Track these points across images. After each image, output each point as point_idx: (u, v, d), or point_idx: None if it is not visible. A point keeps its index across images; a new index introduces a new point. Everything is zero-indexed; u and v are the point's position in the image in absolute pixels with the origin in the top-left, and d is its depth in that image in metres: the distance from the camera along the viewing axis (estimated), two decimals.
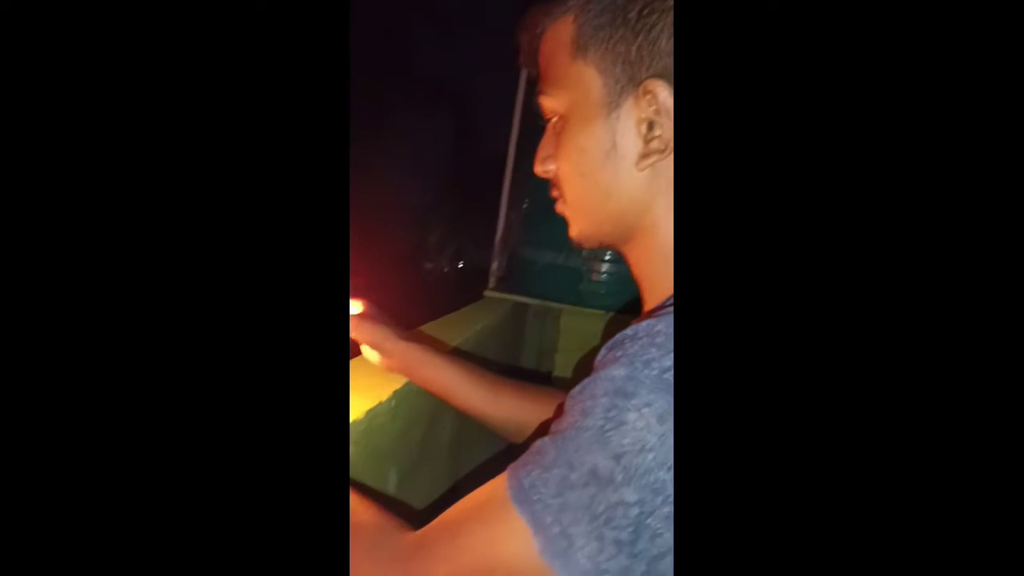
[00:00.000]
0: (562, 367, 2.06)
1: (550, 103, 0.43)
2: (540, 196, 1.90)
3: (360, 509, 0.41)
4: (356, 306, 0.68)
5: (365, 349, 0.69)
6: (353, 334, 0.65)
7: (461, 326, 1.37)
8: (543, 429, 0.45)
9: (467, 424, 1.26)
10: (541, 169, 0.46)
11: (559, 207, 0.46)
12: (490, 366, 0.72)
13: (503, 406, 0.63)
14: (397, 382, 0.80)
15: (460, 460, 1.20)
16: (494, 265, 1.94)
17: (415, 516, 0.41)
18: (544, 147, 0.45)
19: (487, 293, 1.85)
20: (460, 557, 0.34)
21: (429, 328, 1.28)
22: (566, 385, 0.72)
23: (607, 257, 1.76)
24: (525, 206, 1.99)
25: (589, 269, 1.78)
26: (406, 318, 1.27)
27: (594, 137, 0.40)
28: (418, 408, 0.92)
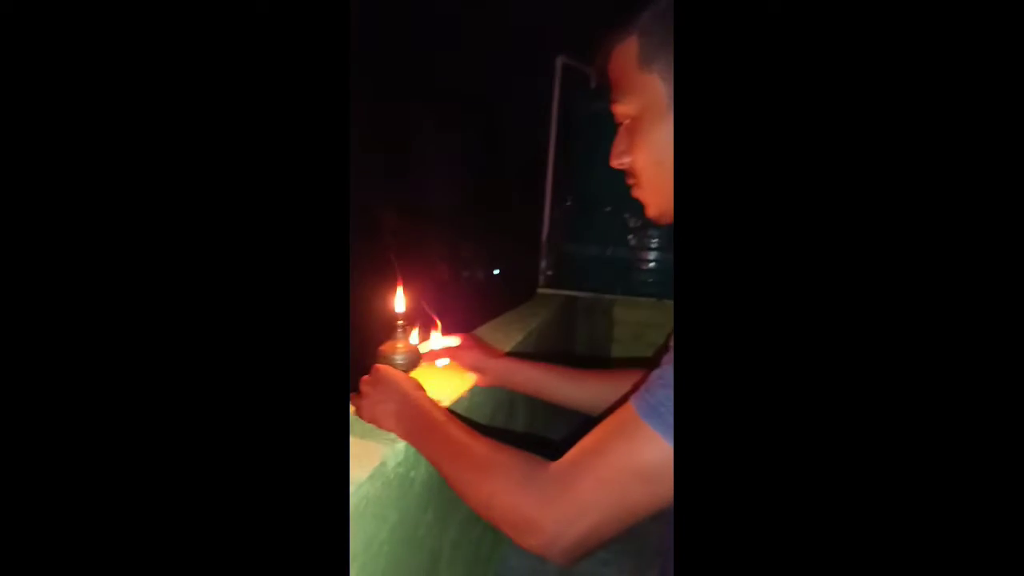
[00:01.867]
0: (618, 356, 2.11)
1: (622, 108, 0.51)
2: (582, 193, 1.97)
3: (503, 451, 0.50)
4: (455, 339, 0.79)
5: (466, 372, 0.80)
6: (456, 363, 0.77)
7: (520, 323, 1.44)
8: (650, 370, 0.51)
9: (535, 416, 1.35)
10: (617, 163, 0.53)
11: (635, 193, 0.53)
12: (563, 359, 0.80)
13: (588, 391, 0.73)
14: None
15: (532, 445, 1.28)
16: (543, 263, 2.01)
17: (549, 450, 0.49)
18: (618, 144, 0.52)
19: (540, 290, 1.93)
20: (607, 467, 0.41)
21: (491, 326, 1.37)
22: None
23: (653, 245, 1.81)
24: (568, 204, 2.05)
25: (636, 259, 1.83)
26: (470, 319, 1.36)
27: (665, 131, 0.48)
28: (499, 397, 1.00)
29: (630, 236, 1.83)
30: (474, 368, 0.77)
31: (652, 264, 1.83)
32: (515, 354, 1.06)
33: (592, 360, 2.07)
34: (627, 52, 0.49)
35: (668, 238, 1.77)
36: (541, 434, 1.33)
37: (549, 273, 2.03)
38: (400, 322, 0.72)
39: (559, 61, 2.04)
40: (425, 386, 0.63)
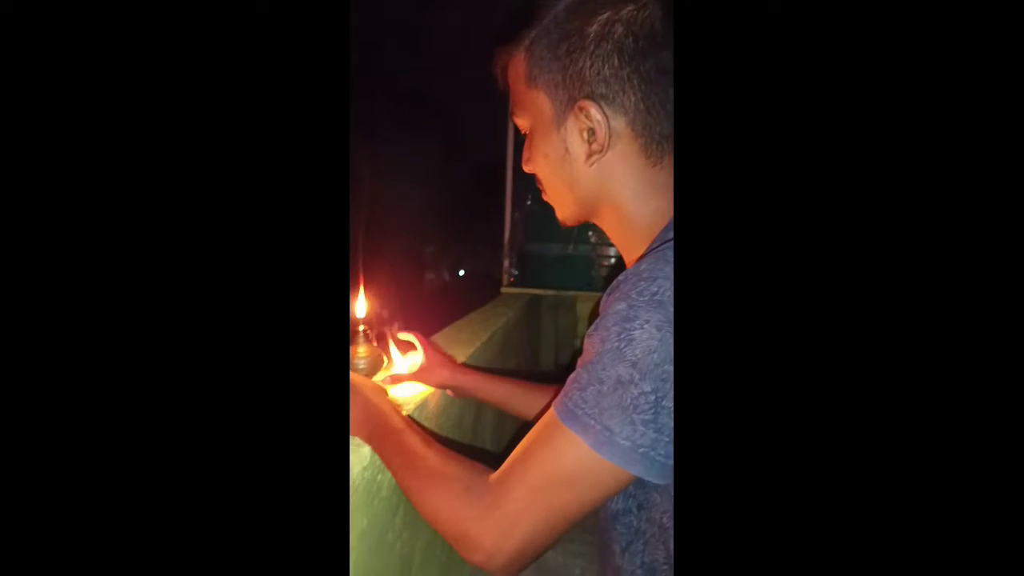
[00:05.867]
0: None
1: (519, 121, 0.53)
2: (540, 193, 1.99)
3: (451, 463, 0.49)
4: (419, 356, 0.79)
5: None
6: (426, 383, 0.78)
7: (487, 322, 1.45)
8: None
9: (503, 419, 1.36)
10: (526, 169, 0.54)
11: (544, 197, 0.55)
12: (516, 363, 0.81)
13: (539, 404, 0.74)
14: None
15: (500, 441, 1.29)
16: (506, 263, 2.02)
17: (492, 459, 0.49)
18: (525, 151, 0.54)
19: (504, 290, 1.94)
20: (533, 475, 0.41)
21: (458, 325, 1.37)
22: None
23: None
24: (528, 203, 2.07)
25: (598, 255, 1.86)
26: (435, 320, 1.36)
27: (552, 145, 0.49)
28: (468, 400, 1.01)
29: (590, 233, 1.85)
30: (443, 386, 0.78)
31: (613, 260, 1.86)
32: (480, 355, 1.07)
33: (559, 355, 2.09)
34: (517, 67, 0.50)
35: None
36: (509, 438, 1.34)
37: (513, 272, 2.04)
38: (361, 327, 0.71)
39: None
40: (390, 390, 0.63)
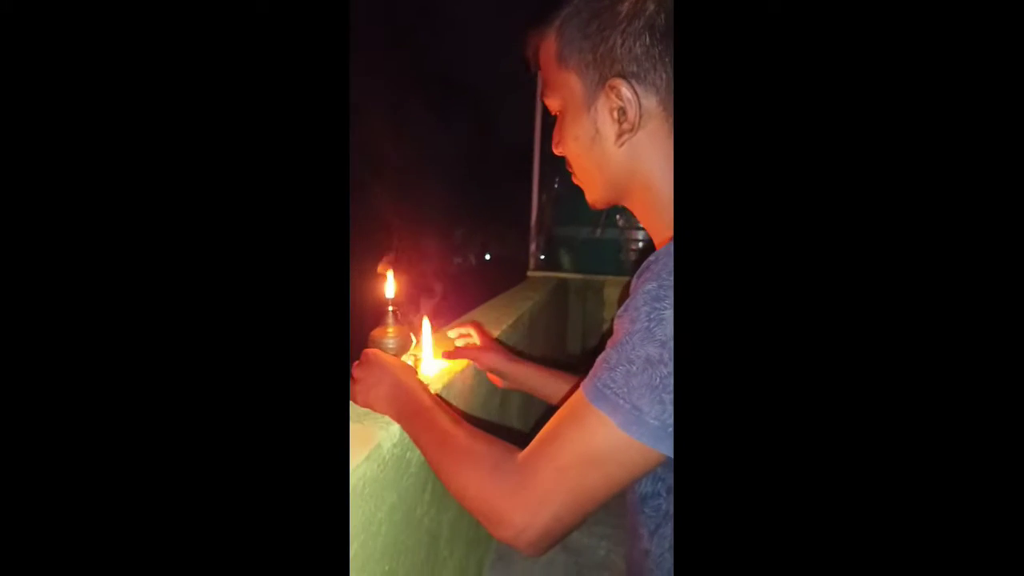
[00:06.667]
0: None
1: (550, 103, 0.53)
2: (569, 176, 1.97)
3: (480, 441, 0.50)
4: (473, 336, 0.81)
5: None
6: (476, 364, 0.80)
7: (513, 305, 1.46)
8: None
9: (530, 399, 1.37)
10: (556, 151, 0.55)
11: (574, 180, 0.55)
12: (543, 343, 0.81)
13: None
14: None
15: (527, 422, 1.30)
16: (533, 246, 2.02)
17: (519, 439, 0.50)
18: (555, 133, 0.54)
19: (530, 273, 1.93)
20: (562, 455, 0.42)
21: (484, 308, 1.38)
22: None
23: (641, 225, 1.82)
24: (556, 186, 2.05)
25: (626, 239, 1.84)
26: (465, 301, 1.37)
27: (582, 127, 0.49)
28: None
29: (618, 217, 1.83)
30: (493, 370, 0.79)
31: (641, 243, 1.84)
32: (505, 338, 1.08)
33: (586, 339, 2.08)
34: (548, 49, 0.50)
35: None
36: (536, 419, 1.35)
37: (541, 256, 2.04)
38: (390, 308, 0.72)
39: None
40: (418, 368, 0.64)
